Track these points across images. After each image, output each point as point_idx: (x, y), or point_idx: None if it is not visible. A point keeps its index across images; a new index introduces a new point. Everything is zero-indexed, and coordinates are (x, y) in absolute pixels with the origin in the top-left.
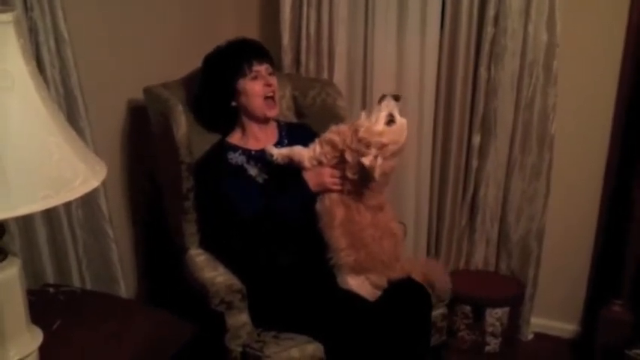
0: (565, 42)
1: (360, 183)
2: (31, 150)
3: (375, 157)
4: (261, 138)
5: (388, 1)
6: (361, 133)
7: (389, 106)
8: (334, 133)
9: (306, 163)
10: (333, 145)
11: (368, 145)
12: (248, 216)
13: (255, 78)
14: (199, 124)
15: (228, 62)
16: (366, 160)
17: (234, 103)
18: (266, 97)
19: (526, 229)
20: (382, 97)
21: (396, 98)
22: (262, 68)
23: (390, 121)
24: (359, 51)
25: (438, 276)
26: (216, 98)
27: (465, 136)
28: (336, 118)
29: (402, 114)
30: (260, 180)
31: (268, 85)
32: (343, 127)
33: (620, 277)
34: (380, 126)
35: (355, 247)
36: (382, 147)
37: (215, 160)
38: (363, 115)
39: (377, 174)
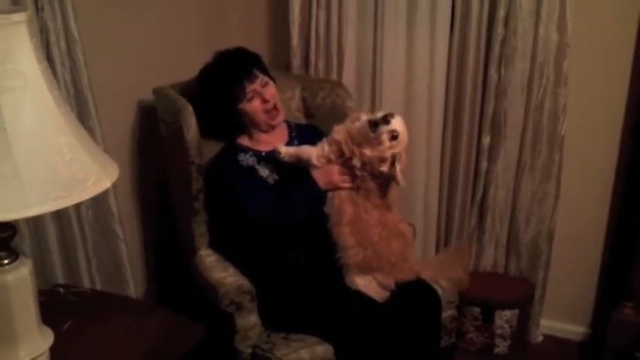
0: (576, 42)
1: (382, 185)
2: (44, 151)
3: (392, 163)
4: (270, 140)
5: (398, 2)
6: (369, 154)
7: (384, 130)
8: (337, 133)
9: (315, 161)
10: (338, 145)
11: (382, 160)
12: (258, 217)
13: (251, 99)
14: (204, 135)
15: (222, 91)
16: (385, 168)
17: (238, 119)
18: (268, 110)
19: (536, 230)
20: (374, 127)
21: (387, 121)
22: (256, 85)
23: (393, 137)
24: (368, 52)
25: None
26: (218, 120)
27: (475, 137)
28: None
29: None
30: (271, 181)
31: (265, 100)
32: (342, 129)
33: (630, 279)
34: (386, 143)
35: (363, 246)
36: (399, 155)
37: (226, 161)
38: (363, 116)
39: (400, 179)
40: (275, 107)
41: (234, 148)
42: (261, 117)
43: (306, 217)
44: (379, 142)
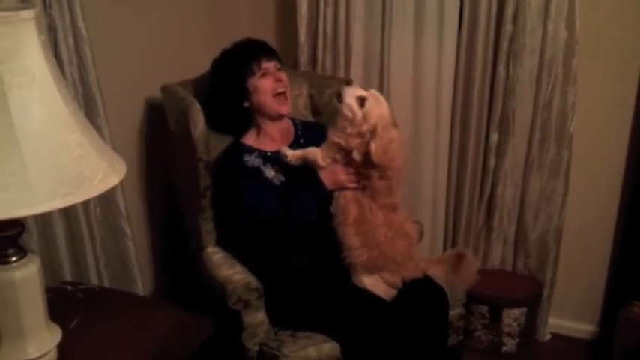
0: (584, 39)
1: (377, 175)
2: (51, 147)
3: (368, 141)
4: (276, 138)
5: None
6: (349, 130)
7: (348, 94)
8: (331, 132)
9: (320, 162)
10: (338, 145)
11: (362, 135)
12: (265, 219)
13: (264, 75)
14: (211, 128)
15: (237, 62)
16: (373, 148)
17: (246, 104)
18: (277, 94)
19: (544, 228)
20: (339, 97)
21: (349, 84)
22: (271, 65)
23: (362, 102)
24: (376, 49)
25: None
26: (227, 100)
27: (483, 134)
28: None
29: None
30: (277, 182)
31: (278, 80)
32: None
33: (639, 278)
34: (358, 112)
35: (368, 246)
36: (374, 129)
37: (231, 162)
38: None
39: (375, 155)
40: (284, 94)
41: (239, 149)
42: (270, 101)
43: (313, 217)
44: (353, 113)
